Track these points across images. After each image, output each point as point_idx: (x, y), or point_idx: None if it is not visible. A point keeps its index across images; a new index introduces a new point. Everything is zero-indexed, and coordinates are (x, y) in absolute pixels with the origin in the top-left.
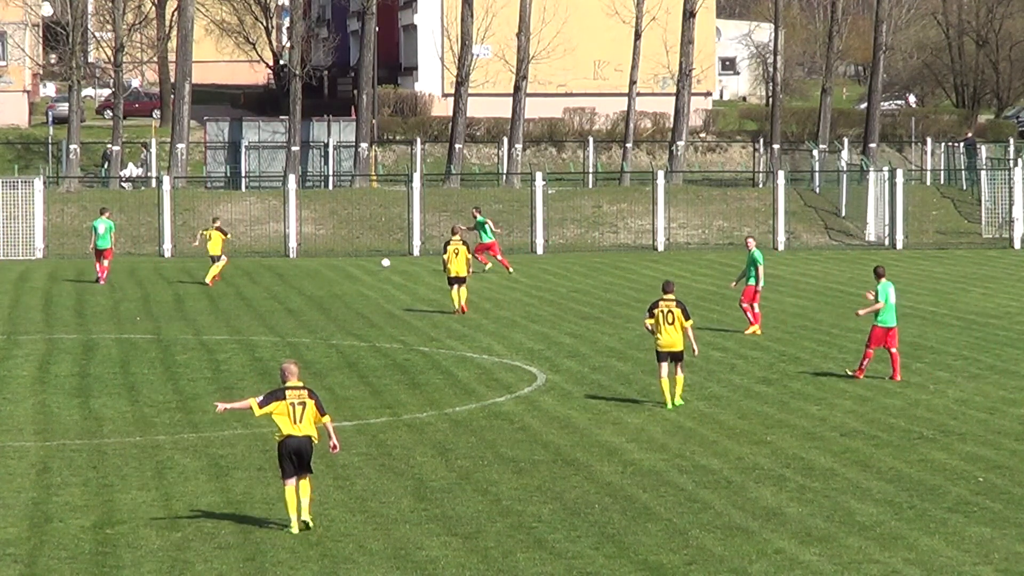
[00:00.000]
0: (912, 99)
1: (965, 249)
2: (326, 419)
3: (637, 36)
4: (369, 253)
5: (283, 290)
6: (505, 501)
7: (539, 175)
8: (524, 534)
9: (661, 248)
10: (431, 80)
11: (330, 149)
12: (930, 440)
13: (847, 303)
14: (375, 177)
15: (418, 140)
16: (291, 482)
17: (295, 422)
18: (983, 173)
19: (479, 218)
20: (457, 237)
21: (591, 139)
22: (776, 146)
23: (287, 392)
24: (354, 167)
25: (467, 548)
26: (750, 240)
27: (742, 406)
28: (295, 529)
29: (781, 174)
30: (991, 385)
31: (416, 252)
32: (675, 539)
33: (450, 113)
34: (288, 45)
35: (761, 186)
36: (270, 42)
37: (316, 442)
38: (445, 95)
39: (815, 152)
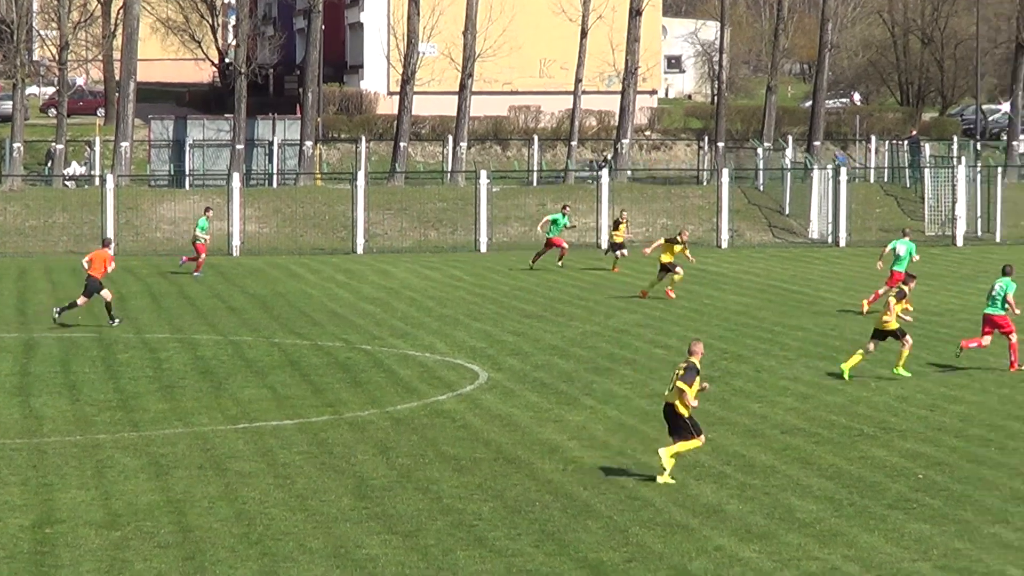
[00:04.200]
0: (857, 97)
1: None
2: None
3: (583, 34)
4: (313, 251)
5: (226, 288)
6: (446, 499)
7: (484, 173)
8: (464, 532)
9: (604, 246)
10: (377, 78)
11: (275, 147)
12: (870, 437)
13: (790, 301)
14: (319, 175)
15: (363, 138)
16: None
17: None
18: (927, 171)
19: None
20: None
21: (536, 137)
22: (721, 144)
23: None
24: (299, 165)
25: (407, 546)
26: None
27: None
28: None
29: (725, 172)
30: (932, 382)
31: (360, 250)
32: (615, 537)
33: (395, 111)
34: (234, 43)
35: (705, 184)
36: (216, 40)
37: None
38: (391, 93)
39: (759, 150)
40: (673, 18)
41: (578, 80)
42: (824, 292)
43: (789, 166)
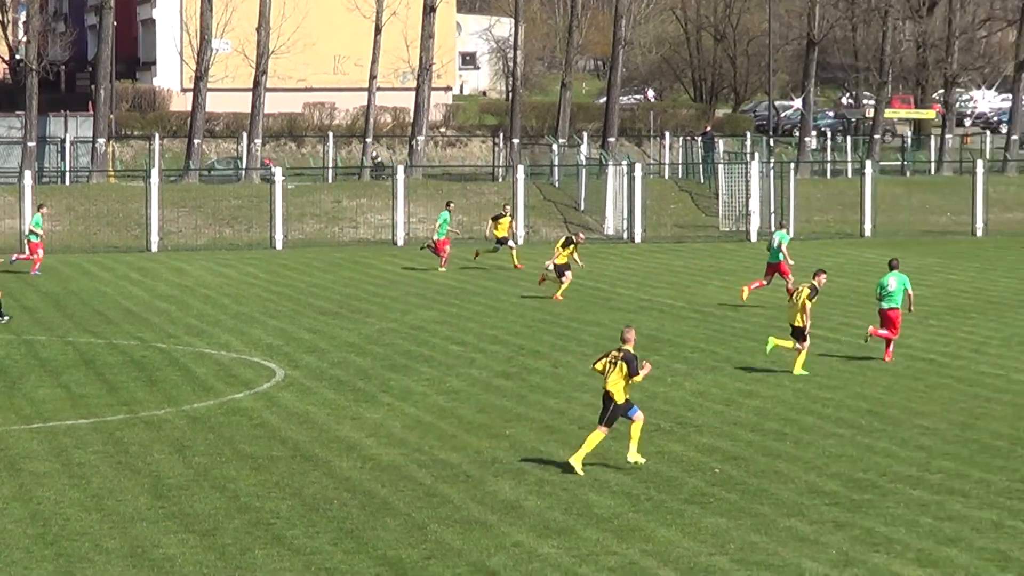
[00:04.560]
0: (651, 93)
1: (703, 242)
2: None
3: (377, 31)
4: (107, 249)
5: (18, 287)
6: (243, 498)
7: (278, 170)
8: (262, 531)
9: (401, 243)
10: (170, 75)
11: (67, 144)
12: (667, 432)
13: (586, 297)
14: (113, 173)
15: (156, 135)
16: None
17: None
18: (720, 167)
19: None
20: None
21: (331, 134)
22: (516, 140)
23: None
24: (91, 163)
25: (204, 545)
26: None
27: (481, 400)
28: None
29: (521, 168)
30: (727, 377)
31: (154, 248)
32: (414, 533)
33: (189, 108)
34: (24, 39)
35: (501, 180)
36: (5, 36)
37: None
38: (184, 90)
39: (555, 146)
40: (467, 14)
41: (373, 77)
42: (620, 288)
43: (584, 162)
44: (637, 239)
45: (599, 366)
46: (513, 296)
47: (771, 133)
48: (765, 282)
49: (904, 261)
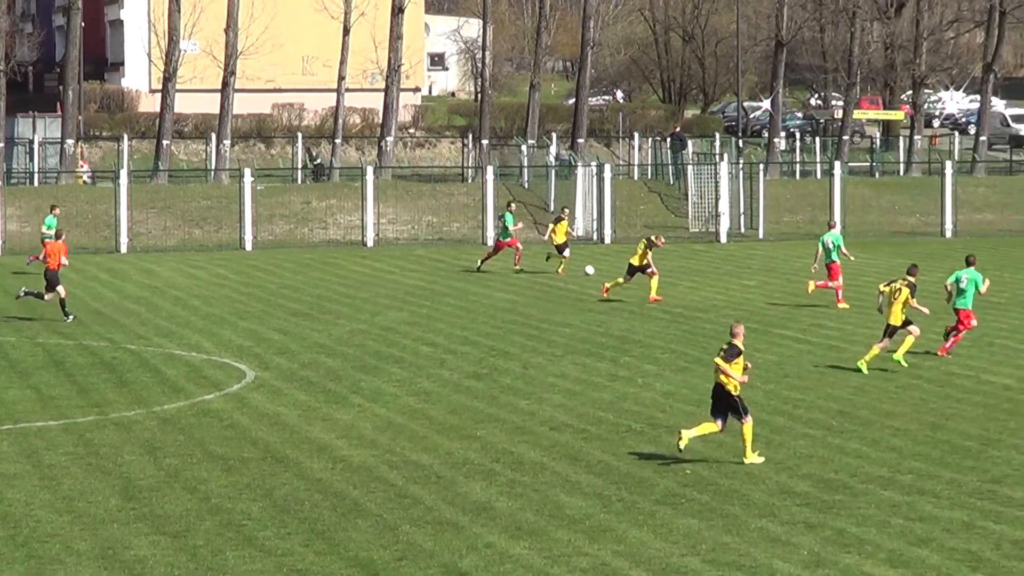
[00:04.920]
0: (620, 94)
1: (672, 243)
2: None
3: (346, 31)
4: (76, 250)
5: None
6: (214, 499)
7: (247, 171)
8: (234, 532)
9: (371, 244)
10: (138, 76)
11: (35, 146)
12: (638, 433)
13: (556, 297)
14: (81, 174)
15: (125, 136)
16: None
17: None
18: (690, 168)
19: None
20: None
21: (300, 135)
22: (485, 141)
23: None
24: (60, 164)
25: (176, 547)
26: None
27: (452, 401)
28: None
29: (490, 169)
30: (698, 378)
31: (123, 249)
32: (385, 535)
33: (158, 109)
34: None
35: (470, 181)
36: None
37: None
38: (152, 91)
39: (524, 147)
40: (436, 15)
41: (341, 78)
42: (590, 289)
43: (553, 163)
44: (607, 239)
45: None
46: (484, 297)
47: (740, 134)
48: (830, 283)
49: (873, 262)
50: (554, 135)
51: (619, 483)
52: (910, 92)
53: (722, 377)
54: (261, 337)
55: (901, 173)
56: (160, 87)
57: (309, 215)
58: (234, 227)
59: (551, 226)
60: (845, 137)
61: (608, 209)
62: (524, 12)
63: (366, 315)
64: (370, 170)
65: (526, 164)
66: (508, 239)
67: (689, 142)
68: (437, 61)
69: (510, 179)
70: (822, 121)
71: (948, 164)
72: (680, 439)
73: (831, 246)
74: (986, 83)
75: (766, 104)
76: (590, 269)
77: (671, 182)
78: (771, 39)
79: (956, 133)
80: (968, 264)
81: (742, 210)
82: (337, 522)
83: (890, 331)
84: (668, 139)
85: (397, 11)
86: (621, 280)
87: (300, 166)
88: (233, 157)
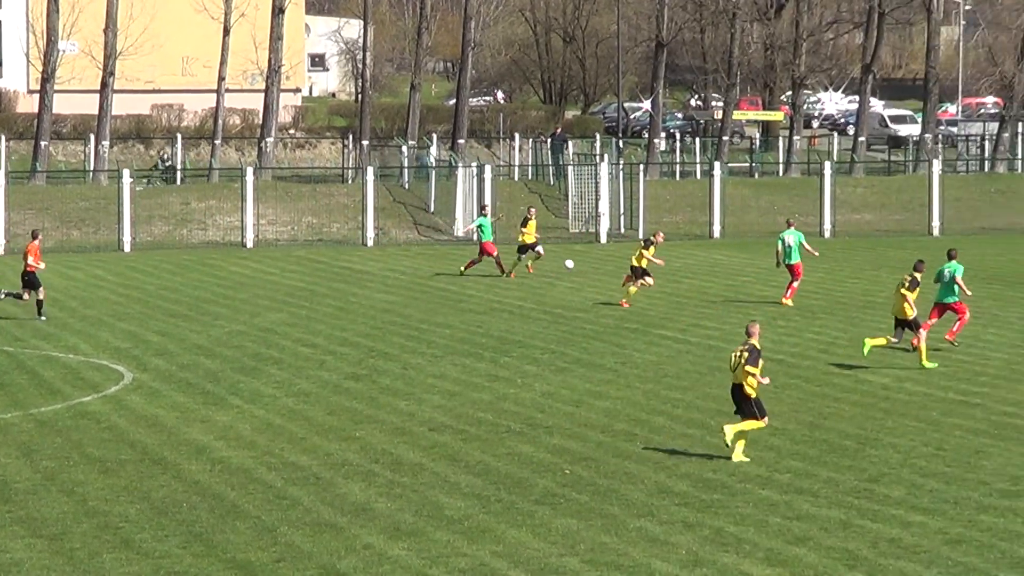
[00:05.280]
0: (500, 95)
1: (553, 244)
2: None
3: (226, 32)
4: None
5: None
6: (91, 502)
7: (126, 172)
8: (111, 534)
9: (250, 245)
10: (16, 76)
11: None
12: (518, 433)
13: (436, 298)
14: None
15: (2, 137)
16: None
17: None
18: (570, 168)
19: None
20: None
21: (179, 135)
22: (365, 142)
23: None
24: None
25: (52, 550)
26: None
27: (331, 402)
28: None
29: (370, 170)
30: (577, 378)
31: (0, 251)
32: (264, 536)
33: (36, 109)
34: None
35: (351, 182)
36: None
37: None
38: (31, 91)
39: (404, 148)
40: (316, 16)
41: (221, 78)
42: (470, 290)
43: (434, 164)
44: None
45: (730, 363)
46: (364, 298)
47: (620, 135)
48: (796, 285)
49: (752, 263)
50: (435, 136)
51: (498, 483)
52: (789, 93)
53: (745, 378)
54: (139, 339)
55: (780, 173)
56: (38, 88)
57: (188, 216)
58: (112, 228)
59: (522, 229)
60: (725, 138)
61: (489, 210)
62: (405, 13)
63: (245, 316)
64: (250, 171)
65: (406, 165)
66: (488, 240)
67: (570, 143)
68: (317, 62)
69: (390, 180)
70: (702, 122)
71: (827, 165)
72: (726, 435)
73: (792, 244)
74: (865, 84)
75: (646, 105)
76: (570, 263)
77: (551, 183)
78: (651, 40)
79: (835, 134)
80: (950, 258)
81: (622, 210)
82: (215, 524)
83: (899, 324)
84: (549, 140)
85: (277, 12)
86: (632, 288)
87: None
88: (112, 158)
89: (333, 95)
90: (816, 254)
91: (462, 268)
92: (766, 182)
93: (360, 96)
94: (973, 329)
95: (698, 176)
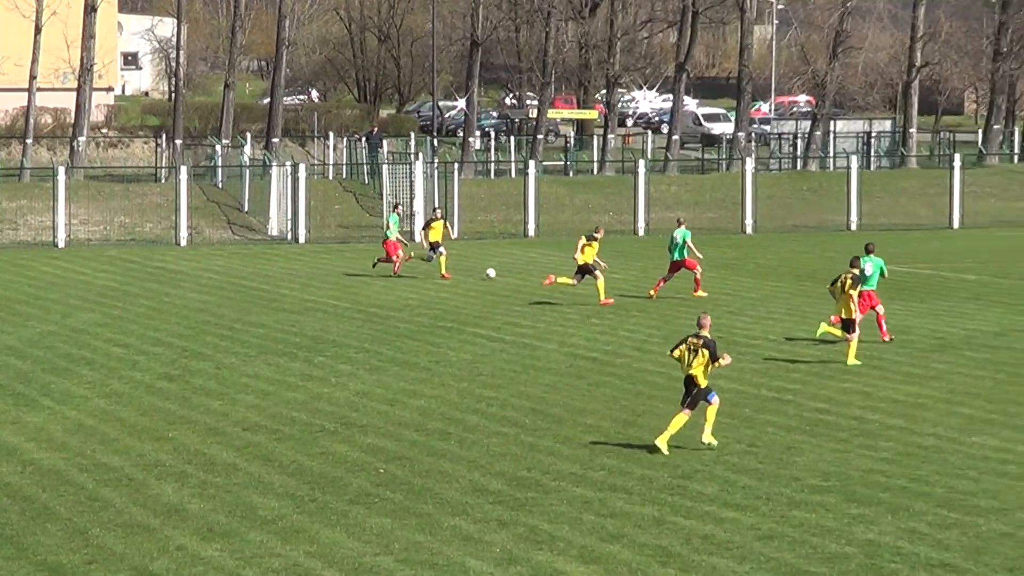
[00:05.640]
0: (315, 94)
1: (367, 243)
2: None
3: (37, 30)
4: None
5: None
6: None
7: None
8: None
9: (62, 245)
10: None
11: None
12: (332, 433)
13: (250, 298)
14: None
15: None
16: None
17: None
18: (385, 167)
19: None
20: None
21: None
22: (179, 141)
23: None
24: None
25: None
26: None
27: (144, 403)
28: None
29: (184, 169)
30: (392, 377)
31: None
32: (75, 538)
33: None
34: None
35: (164, 181)
36: None
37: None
38: None
39: (218, 147)
40: (129, 14)
41: (32, 77)
42: (284, 289)
43: (248, 163)
44: (301, 240)
45: (676, 353)
46: (177, 297)
47: (435, 133)
48: (665, 280)
49: (567, 261)
50: (249, 135)
51: (312, 483)
52: (604, 91)
53: (696, 370)
54: None
55: (595, 172)
56: None
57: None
58: None
59: (422, 231)
60: (539, 136)
61: (303, 209)
62: (219, 11)
63: (57, 316)
64: (62, 170)
65: (220, 164)
66: (392, 239)
67: (384, 141)
68: (131, 60)
69: (204, 179)
70: (517, 120)
71: (641, 163)
72: (659, 450)
73: (679, 241)
74: (679, 83)
75: (461, 103)
76: (491, 272)
77: (366, 182)
78: (466, 39)
79: (649, 132)
80: (868, 252)
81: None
82: (26, 526)
83: (844, 324)
84: (365, 139)
85: (90, 10)
86: (570, 280)
87: None
88: None
89: (146, 94)
90: (699, 256)
91: (394, 271)
92: (581, 180)
93: (173, 95)
94: (785, 326)
95: (513, 175)
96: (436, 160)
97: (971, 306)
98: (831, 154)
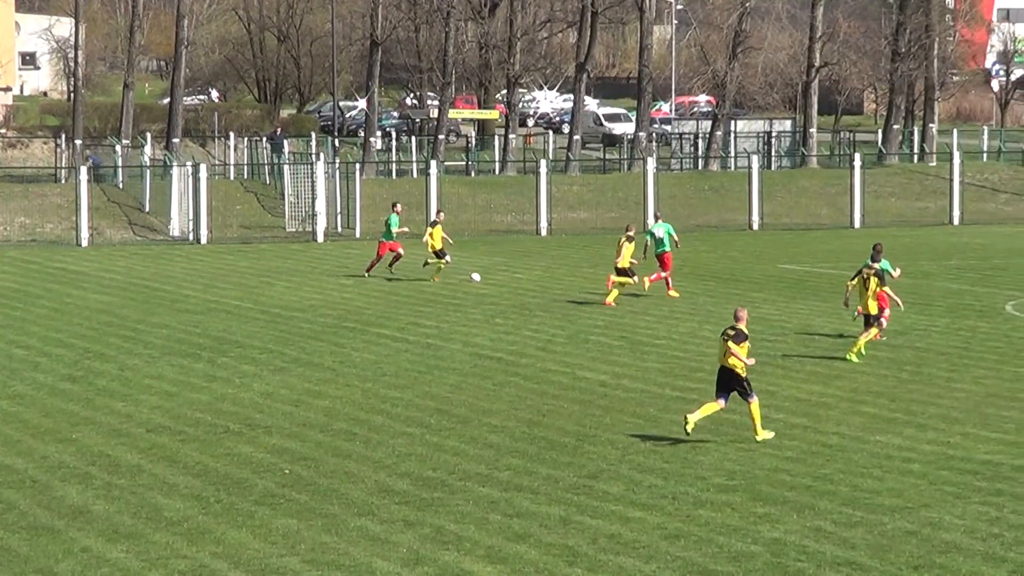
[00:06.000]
0: (215, 94)
1: (269, 243)
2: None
3: None
4: None
5: None
6: None
7: None
8: None
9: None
10: None
11: None
12: (237, 434)
13: (152, 298)
14: None
15: None
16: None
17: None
18: (286, 168)
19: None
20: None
21: None
22: (79, 142)
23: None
24: None
25: None
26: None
27: (47, 404)
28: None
29: (83, 170)
30: (296, 378)
31: None
32: None
33: None
34: None
35: (64, 182)
36: None
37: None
38: None
39: (118, 147)
40: (27, 14)
41: None
42: (186, 289)
43: (148, 163)
44: (203, 240)
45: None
46: (79, 299)
47: (336, 134)
48: (664, 273)
49: (470, 261)
50: (149, 135)
51: (217, 484)
52: (505, 92)
53: (731, 360)
54: None
55: (496, 172)
56: None
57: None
58: None
59: (428, 230)
60: (441, 136)
61: (204, 209)
62: (117, 11)
63: None
64: None
65: (120, 164)
66: (391, 241)
67: (285, 142)
68: (28, 60)
69: (104, 179)
70: (418, 120)
71: (542, 163)
72: (687, 423)
73: (662, 235)
74: (579, 83)
75: (362, 104)
76: (476, 276)
77: (268, 182)
78: (366, 39)
79: (550, 132)
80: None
81: (339, 210)
82: None
83: (869, 321)
84: (268, 139)
85: None
86: (618, 284)
87: None
88: None
89: (45, 94)
90: (679, 247)
91: (390, 268)
92: (482, 180)
93: (72, 95)
94: (689, 326)
95: (414, 175)
96: (337, 160)
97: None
98: (732, 154)
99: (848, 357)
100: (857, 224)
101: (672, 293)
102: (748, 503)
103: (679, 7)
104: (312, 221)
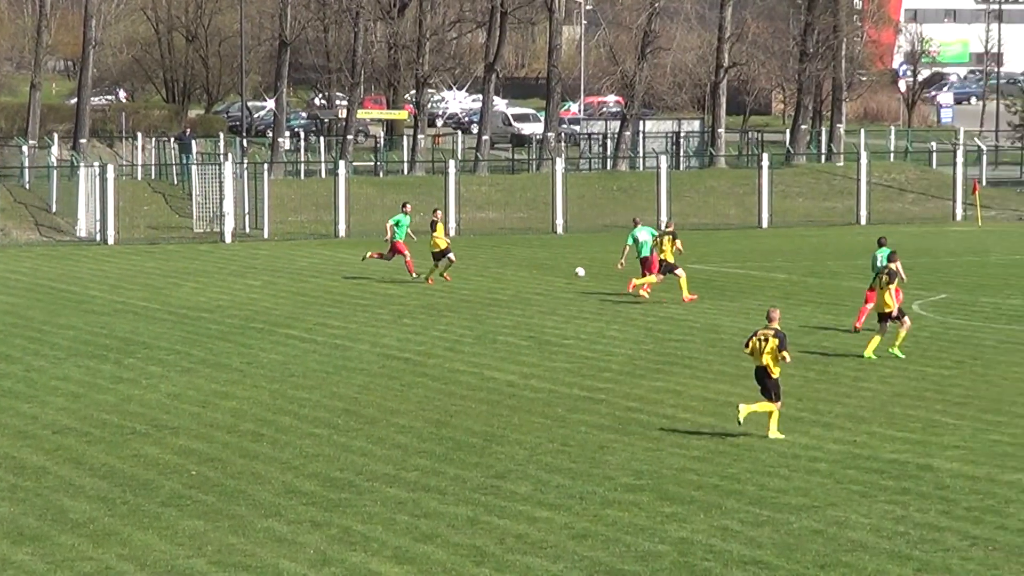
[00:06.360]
0: (123, 94)
1: (177, 244)
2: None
3: None
4: None
5: None
6: None
7: None
8: None
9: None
10: None
11: None
12: (143, 435)
13: (59, 299)
14: None
15: None
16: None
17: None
18: (194, 168)
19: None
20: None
21: None
22: None
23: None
24: None
25: None
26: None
27: None
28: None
29: None
30: (203, 379)
31: None
32: None
33: None
34: None
35: None
36: None
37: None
38: None
39: (25, 148)
40: None
41: None
42: (93, 290)
43: (55, 164)
44: (110, 241)
45: (749, 348)
46: None
47: (244, 134)
48: (662, 276)
49: (377, 262)
50: (56, 135)
51: (124, 486)
52: (414, 92)
53: (767, 359)
54: None
55: (405, 172)
56: None
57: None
58: None
59: (432, 234)
60: (349, 137)
61: (111, 210)
62: (24, 10)
63: None
64: None
65: (27, 165)
66: (402, 241)
67: (194, 142)
68: None
69: (11, 180)
70: (326, 121)
71: (451, 163)
72: (739, 413)
73: (646, 239)
74: (488, 83)
75: (270, 104)
76: (581, 271)
77: (175, 182)
78: (275, 39)
79: (459, 132)
80: (880, 245)
81: (247, 210)
82: None
83: (883, 319)
84: (177, 139)
85: None
86: (654, 278)
87: None
88: None
89: None
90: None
91: (367, 254)
92: (391, 181)
93: None
94: (597, 325)
95: (323, 175)
96: (246, 161)
97: (780, 305)
98: (641, 154)
99: (893, 352)
100: (765, 224)
101: (643, 293)
102: (655, 502)
103: (588, 7)
104: (220, 222)
